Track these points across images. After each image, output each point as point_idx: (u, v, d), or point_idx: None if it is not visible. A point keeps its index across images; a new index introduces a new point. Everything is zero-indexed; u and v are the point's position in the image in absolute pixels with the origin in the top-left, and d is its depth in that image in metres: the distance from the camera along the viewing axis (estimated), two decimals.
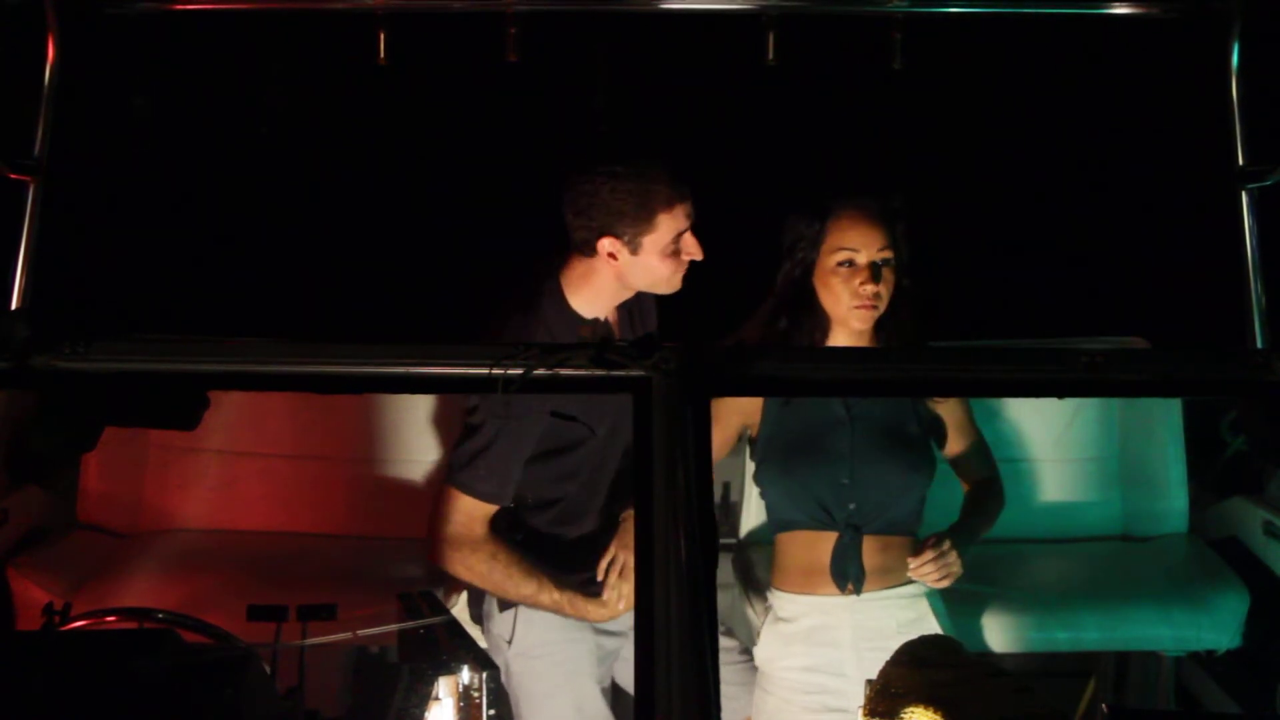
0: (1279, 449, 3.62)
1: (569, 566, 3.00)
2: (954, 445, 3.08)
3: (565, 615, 2.96)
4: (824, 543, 2.94)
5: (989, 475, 3.12)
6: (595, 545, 3.03)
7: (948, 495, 3.11)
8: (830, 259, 2.89)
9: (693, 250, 2.90)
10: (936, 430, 3.06)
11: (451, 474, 2.92)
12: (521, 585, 2.92)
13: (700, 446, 2.16)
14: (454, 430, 3.27)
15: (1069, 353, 2.43)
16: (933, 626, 2.93)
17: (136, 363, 2.39)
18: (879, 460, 2.93)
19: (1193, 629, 3.38)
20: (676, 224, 2.85)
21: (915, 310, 2.96)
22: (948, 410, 3.05)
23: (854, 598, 2.91)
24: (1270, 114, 2.71)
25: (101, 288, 3.68)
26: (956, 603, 3.11)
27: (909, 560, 2.87)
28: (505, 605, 3.01)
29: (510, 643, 2.99)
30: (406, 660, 2.44)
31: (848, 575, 2.91)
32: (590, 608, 2.96)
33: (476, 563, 2.90)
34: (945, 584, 2.87)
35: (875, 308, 2.89)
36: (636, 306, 3.12)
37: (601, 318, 2.99)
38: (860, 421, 2.94)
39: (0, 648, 2.28)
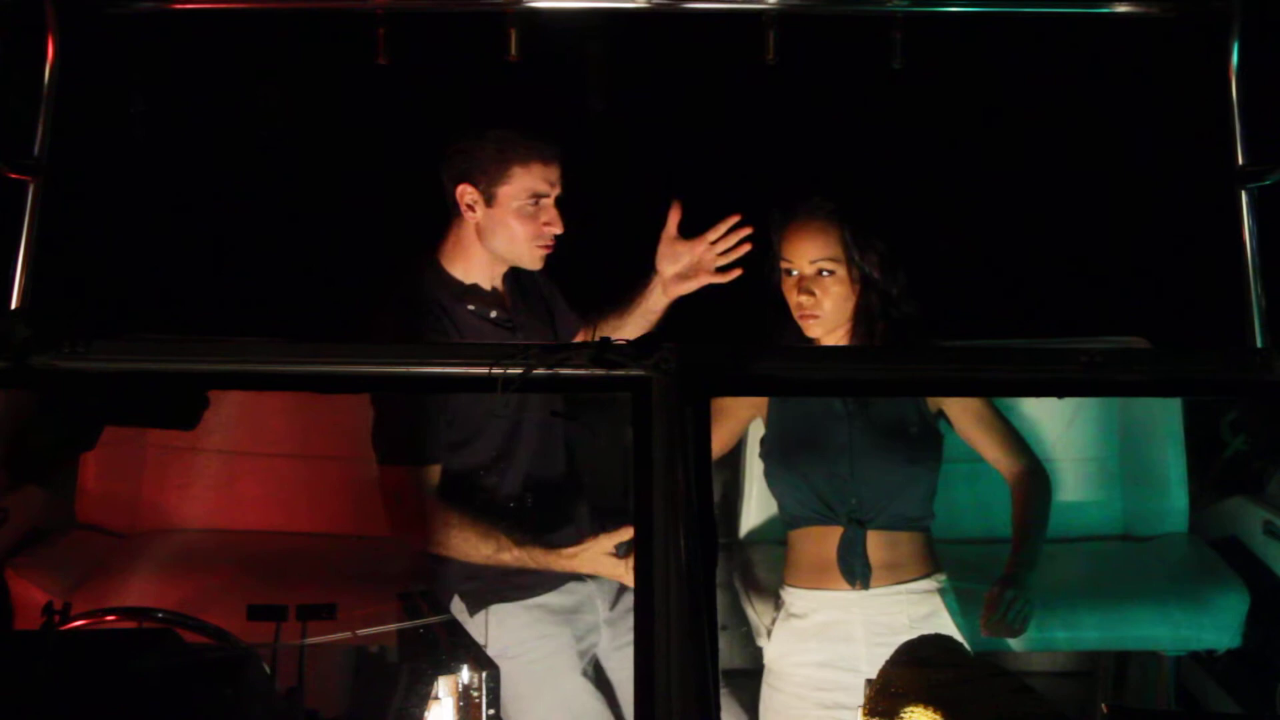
0: (1279, 449, 3.62)
1: (530, 528, 3.03)
2: (980, 438, 3.02)
3: (529, 568, 2.95)
4: (831, 538, 2.94)
5: (1028, 466, 3.02)
6: (556, 508, 3.08)
7: (956, 496, 3.10)
8: (781, 268, 2.95)
9: (552, 219, 2.96)
10: (952, 424, 3.01)
11: (380, 456, 2.99)
12: (480, 546, 2.93)
13: (700, 446, 2.16)
14: None
15: (1069, 353, 2.43)
16: (946, 622, 2.92)
17: (136, 363, 2.39)
18: (879, 453, 2.93)
19: (1193, 629, 3.38)
20: (533, 181, 2.93)
21: (891, 316, 2.92)
22: (961, 403, 3.00)
23: (866, 593, 2.91)
24: (1270, 114, 2.71)
25: (101, 288, 3.68)
26: (965, 601, 3.10)
27: (980, 622, 2.83)
28: (475, 609, 3.02)
29: (486, 646, 2.99)
30: (406, 660, 2.44)
31: (853, 570, 2.91)
32: (551, 559, 2.94)
33: (434, 532, 2.93)
34: (1019, 634, 2.85)
35: (816, 317, 2.90)
36: (529, 281, 3.15)
37: (485, 285, 3.03)
38: (859, 415, 2.94)
39: (0, 647, 2.28)
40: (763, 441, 3.05)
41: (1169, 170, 4.01)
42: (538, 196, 2.94)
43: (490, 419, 3.01)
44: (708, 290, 3.14)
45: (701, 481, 2.11)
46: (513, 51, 2.86)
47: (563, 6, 2.98)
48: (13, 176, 2.63)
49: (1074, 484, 3.74)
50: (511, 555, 2.94)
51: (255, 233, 4.33)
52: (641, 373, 2.25)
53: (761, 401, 3.05)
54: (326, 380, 2.41)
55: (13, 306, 2.59)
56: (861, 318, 2.91)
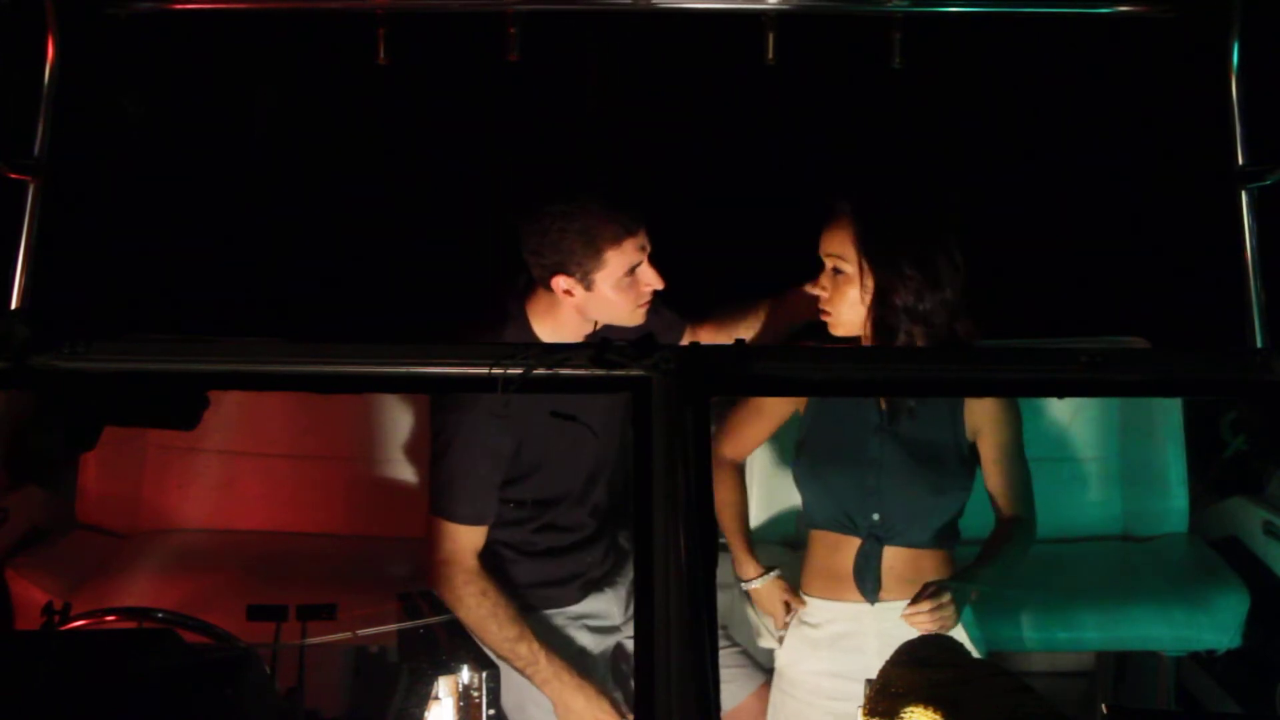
0: (1279, 449, 3.62)
1: (558, 579, 3.03)
2: (991, 471, 2.92)
3: (528, 674, 2.91)
4: (849, 548, 2.90)
5: (1021, 515, 2.92)
6: (583, 556, 3.07)
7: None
8: None
9: (650, 281, 2.88)
10: (976, 455, 2.93)
11: (432, 503, 2.92)
12: (505, 627, 2.88)
13: (700, 446, 2.15)
14: None
15: (1069, 353, 2.43)
16: (960, 636, 2.90)
17: (136, 363, 2.39)
18: (908, 475, 2.86)
19: (1193, 629, 3.38)
20: (626, 258, 2.83)
21: (914, 334, 2.79)
22: (993, 434, 2.90)
23: (881, 605, 2.88)
24: (1270, 114, 2.71)
25: (101, 288, 3.67)
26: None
27: (907, 608, 2.79)
28: None
29: None
30: (406, 660, 2.45)
31: (866, 584, 2.88)
32: (555, 671, 2.91)
33: (468, 595, 2.88)
34: (933, 630, 2.78)
35: (827, 314, 2.85)
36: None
37: None
38: (895, 432, 2.87)
39: (0, 647, 2.28)
40: (797, 439, 3.01)
41: (1169, 170, 4.00)
42: (634, 268, 2.86)
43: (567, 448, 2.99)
44: (708, 290, 3.13)
45: (701, 481, 2.11)
46: (513, 51, 2.86)
47: (563, 7, 2.98)
48: (13, 176, 2.63)
49: (1074, 484, 3.74)
50: (528, 649, 2.90)
51: (255, 233, 4.33)
52: (641, 373, 2.25)
53: (802, 399, 2.99)
54: (326, 380, 2.41)
55: (13, 306, 2.59)
56: (877, 328, 2.79)
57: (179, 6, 2.92)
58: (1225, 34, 2.69)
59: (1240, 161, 2.69)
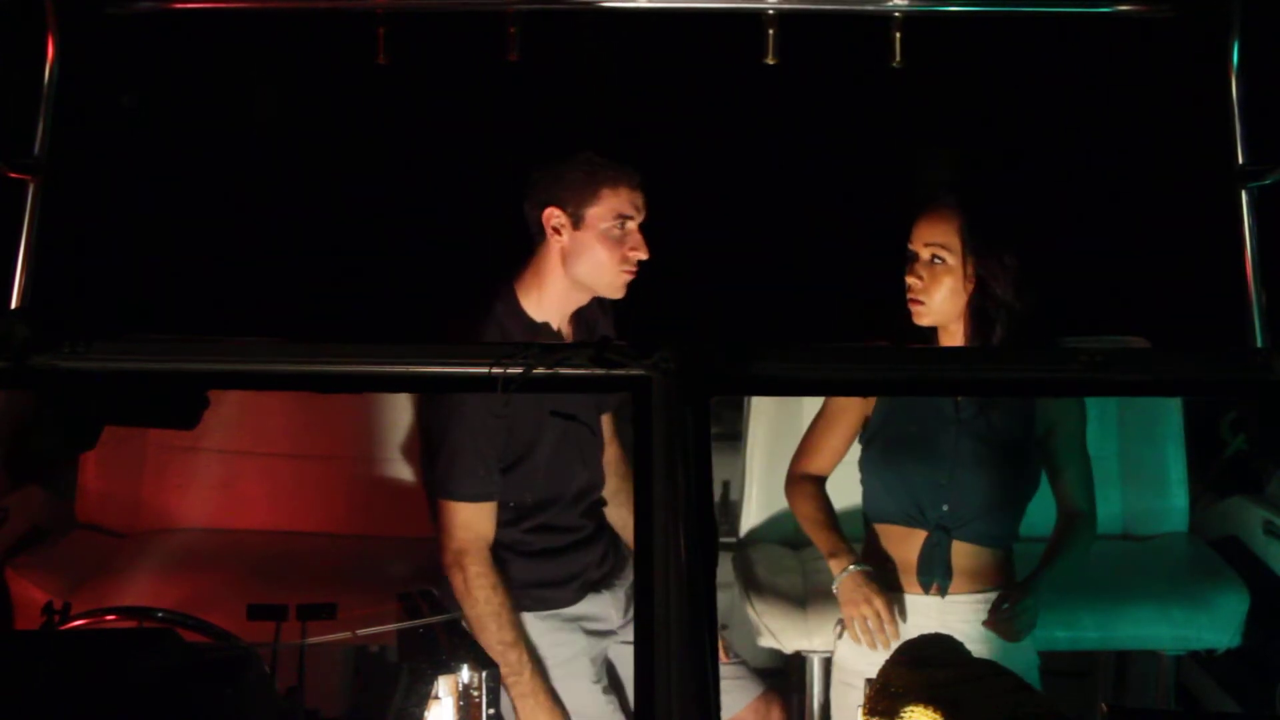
0: (1279, 449, 3.62)
1: (556, 580, 3.03)
2: (1059, 466, 2.96)
3: (508, 683, 2.88)
4: (913, 540, 2.91)
5: (1083, 509, 2.98)
6: (581, 557, 3.07)
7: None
8: (907, 256, 2.91)
9: (637, 244, 2.93)
10: (1045, 448, 2.96)
11: (439, 489, 2.93)
12: (504, 630, 2.88)
13: (700, 446, 2.15)
14: None
15: (1069, 353, 2.43)
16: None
17: (136, 362, 2.38)
18: (980, 468, 2.87)
19: (1192, 628, 3.38)
20: (621, 203, 2.90)
21: (1009, 327, 2.84)
22: (1063, 428, 2.94)
23: (942, 599, 2.89)
24: (1270, 114, 2.71)
25: (101, 288, 3.68)
26: None
27: (989, 615, 2.83)
28: None
29: None
30: (406, 660, 2.44)
31: (933, 576, 2.89)
32: (537, 685, 2.90)
33: (479, 588, 2.88)
34: (1017, 639, 2.85)
35: (921, 303, 2.85)
36: (592, 320, 3.11)
37: (555, 324, 2.99)
38: (968, 425, 2.89)
39: (0, 647, 2.28)
40: (865, 433, 3.00)
41: (1169, 170, 4.01)
42: (624, 219, 2.91)
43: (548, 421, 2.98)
44: (708, 291, 3.14)
45: (701, 481, 2.11)
46: (513, 51, 2.86)
47: (563, 7, 2.98)
48: (13, 176, 2.63)
49: None
50: (518, 657, 2.88)
51: (255, 233, 4.34)
52: (641, 372, 2.25)
53: (870, 400, 3.00)
54: (326, 380, 2.40)
55: (13, 306, 2.59)
56: (975, 318, 2.84)
57: (179, 6, 2.92)
58: (1225, 34, 2.69)
59: (1240, 161, 2.69)
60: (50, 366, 2.34)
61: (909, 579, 2.92)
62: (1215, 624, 3.37)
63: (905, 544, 2.92)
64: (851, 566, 2.88)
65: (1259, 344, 2.65)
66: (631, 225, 2.93)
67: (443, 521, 2.93)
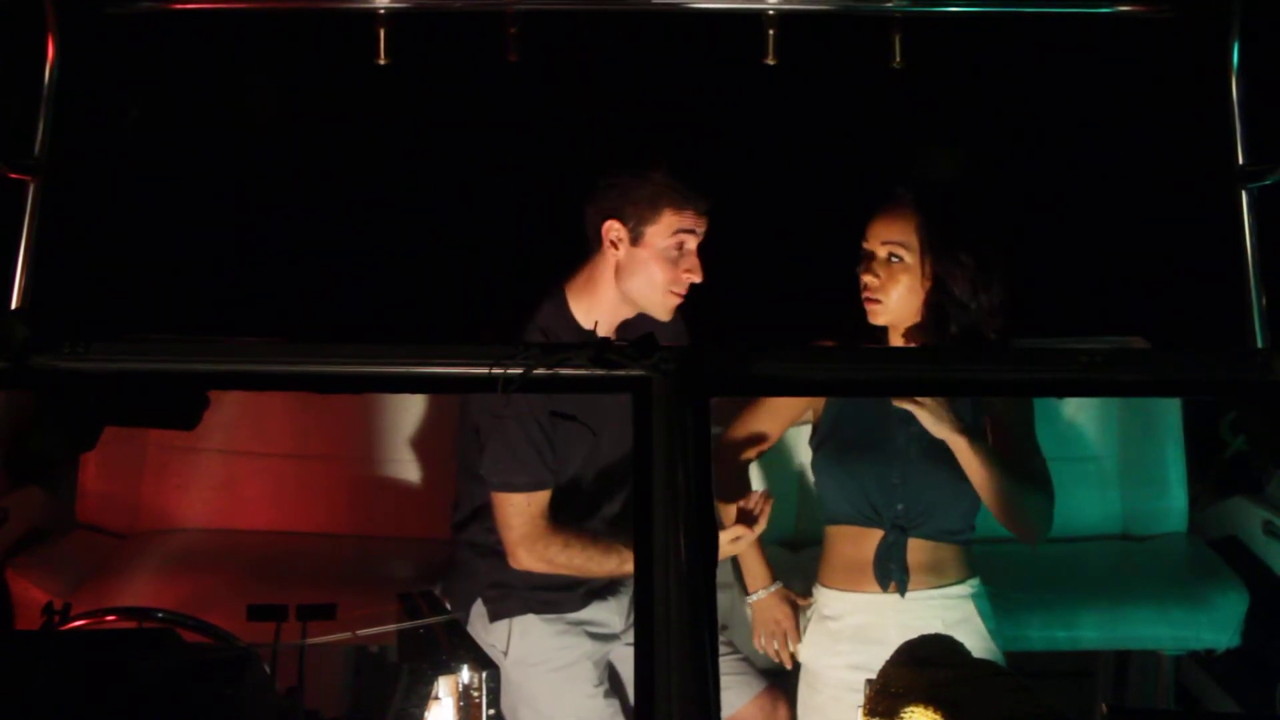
0: (1279, 449, 3.63)
1: (562, 585, 3.04)
2: (999, 443, 2.92)
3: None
4: (869, 539, 2.91)
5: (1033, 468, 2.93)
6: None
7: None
8: (862, 255, 2.90)
9: (693, 266, 2.91)
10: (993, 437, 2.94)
11: (491, 483, 2.94)
12: (604, 562, 2.96)
13: (700, 446, 2.16)
14: (454, 429, 3.28)
15: (1069, 353, 2.43)
16: (979, 627, 2.89)
17: (136, 363, 2.39)
18: (932, 464, 2.87)
19: (1192, 628, 3.39)
20: (682, 224, 2.88)
21: (966, 329, 2.82)
22: (1005, 416, 2.93)
23: (900, 597, 2.89)
24: (1270, 114, 2.71)
25: (101, 288, 3.68)
26: (998, 605, 3.05)
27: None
28: (497, 616, 3.03)
29: (506, 653, 3.01)
30: (406, 660, 2.44)
31: (890, 575, 2.90)
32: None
33: (554, 555, 2.93)
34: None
35: (879, 301, 2.84)
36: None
37: (601, 333, 2.98)
38: (918, 422, 2.87)
39: (0, 648, 2.28)
40: (816, 435, 3.01)
41: (1169, 170, 4.00)
42: (683, 241, 2.90)
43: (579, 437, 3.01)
44: (708, 290, 3.13)
45: (701, 481, 2.11)
46: (513, 52, 2.86)
47: (563, 7, 2.98)
48: (13, 176, 2.63)
49: (1074, 484, 3.73)
50: (618, 561, 2.96)
51: (255, 233, 4.33)
52: (641, 373, 2.25)
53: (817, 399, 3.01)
54: (326, 380, 2.41)
55: (13, 306, 2.59)
56: (932, 316, 2.84)
57: (179, 6, 2.92)
58: (1225, 34, 2.69)
59: (1240, 161, 2.69)
60: (50, 366, 2.34)
61: (866, 578, 2.92)
62: (1215, 624, 3.37)
63: (861, 544, 2.93)
64: (770, 587, 3.02)
65: (1259, 344, 2.65)
66: (690, 247, 2.91)
67: (501, 515, 2.94)
